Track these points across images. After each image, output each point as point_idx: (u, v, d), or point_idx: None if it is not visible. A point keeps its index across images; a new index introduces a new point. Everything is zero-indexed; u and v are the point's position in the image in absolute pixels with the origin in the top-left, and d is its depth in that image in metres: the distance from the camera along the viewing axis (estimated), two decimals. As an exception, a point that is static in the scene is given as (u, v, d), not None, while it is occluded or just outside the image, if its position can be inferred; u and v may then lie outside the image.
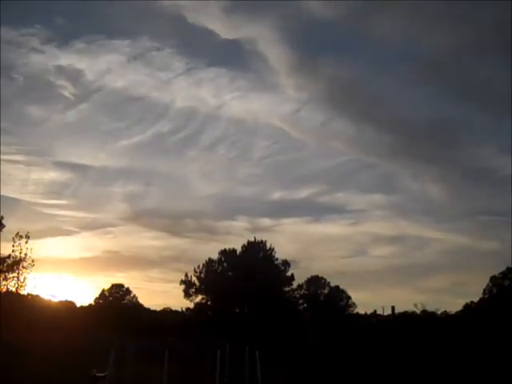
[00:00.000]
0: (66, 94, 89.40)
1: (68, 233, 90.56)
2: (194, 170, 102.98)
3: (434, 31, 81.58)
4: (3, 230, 29.36)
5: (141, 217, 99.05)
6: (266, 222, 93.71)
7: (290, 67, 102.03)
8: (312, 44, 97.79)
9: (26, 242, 26.46)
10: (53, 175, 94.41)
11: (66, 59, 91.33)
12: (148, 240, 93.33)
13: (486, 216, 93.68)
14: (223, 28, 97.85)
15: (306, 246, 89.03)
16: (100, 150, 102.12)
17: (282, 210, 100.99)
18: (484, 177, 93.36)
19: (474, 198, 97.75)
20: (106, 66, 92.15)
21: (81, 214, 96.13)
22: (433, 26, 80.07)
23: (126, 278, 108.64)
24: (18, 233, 26.66)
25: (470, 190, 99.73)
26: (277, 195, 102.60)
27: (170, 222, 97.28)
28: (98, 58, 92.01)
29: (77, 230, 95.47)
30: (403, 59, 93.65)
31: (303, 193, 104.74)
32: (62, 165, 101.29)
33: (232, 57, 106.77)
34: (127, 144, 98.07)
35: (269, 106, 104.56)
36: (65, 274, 70.62)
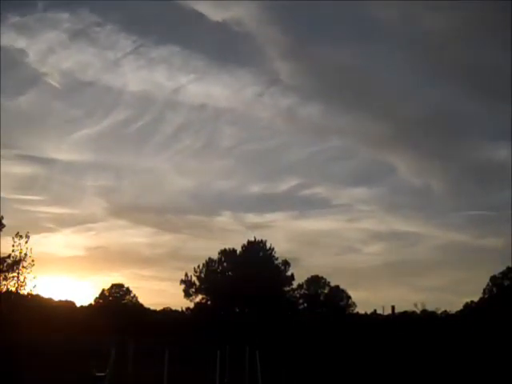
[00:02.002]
0: (12, 77, 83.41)
1: (49, 230, 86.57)
2: (163, 162, 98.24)
3: (434, 12, 75.89)
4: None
5: (120, 212, 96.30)
6: (250, 217, 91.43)
7: (271, 48, 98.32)
8: (301, 26, 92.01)
9: (26, 242, 26.27)
10: (19, 169, 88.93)
11: (3, 37, 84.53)
12: (135, 237, 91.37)
13: (485, 211, 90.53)
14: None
15: (298, 242, 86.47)
16: (61, 142, 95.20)
17: (265, 204, 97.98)
18: (483, 170, 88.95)
19: (473, 192, 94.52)
20: (47, 44, 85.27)
21: (57, 210, 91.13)
22: (433, 7, 74.79)
23: (121, 277, 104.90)
24: (18, 232, 26.47)
25: (469, 183, 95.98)
26: (256, 188, 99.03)
27: (154, 217, 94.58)
28: (37, 35, 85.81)
29: (56, 226, 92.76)
30: (401, 43, 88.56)
31: (284, 185, 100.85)
32: (25, 158, 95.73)
33: (185, 32, 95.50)
34: (88, 134, 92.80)
35: (231, 89, 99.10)
36: (56, 272, 68.42)
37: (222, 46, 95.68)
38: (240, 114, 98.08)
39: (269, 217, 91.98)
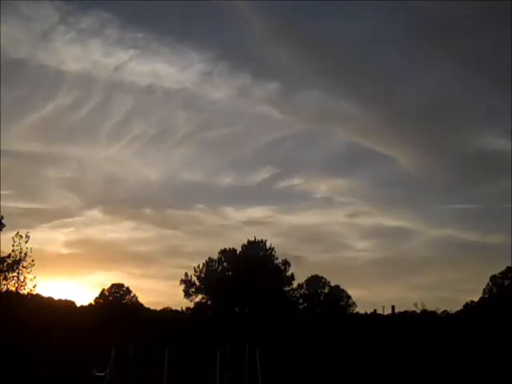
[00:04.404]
0: None
1: (26, 226, 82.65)
2: (121, 151, 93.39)
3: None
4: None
5: (93, 205, 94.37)
6: (230, 211, 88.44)
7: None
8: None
9: (26, 242, 26.30)
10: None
11: None
12: (116, 232, 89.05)
13: (482, 205, 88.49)
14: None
15: (284, 238, 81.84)
16: (8, 130, 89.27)
17: (241, 197, 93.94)
18: (483, 162, 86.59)
19: (468, 186, 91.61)
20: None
21: (27, 205, 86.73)
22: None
23: (110, 275, 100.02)
24: (17, 232, 26.53)
25: (464, 176, 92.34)
26: (228, 180, 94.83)
27: (130, 211, 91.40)
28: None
29: (32, 222, 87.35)
30: (399, 23, 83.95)
31: (258, 176, 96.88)
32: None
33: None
34: (35, 121, 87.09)
35: (177, 67, 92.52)
36: (45, 270, 66.01)
37: (159, 15, 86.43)
38: (192, 95, 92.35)
39: (251, 211, 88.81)
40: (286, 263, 52.86)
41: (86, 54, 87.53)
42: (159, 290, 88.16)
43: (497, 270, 53.27)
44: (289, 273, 53.01)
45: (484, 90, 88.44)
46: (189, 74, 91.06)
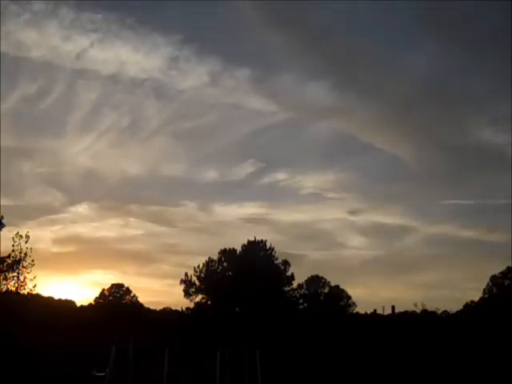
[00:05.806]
0: None
1: (13, 223, 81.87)
2: (96, 143, 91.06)
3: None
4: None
5: (77, 201, 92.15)
6: (221, 208, 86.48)
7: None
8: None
9: (26, 242, 26.32)
10: None
11: None
12: (104, 230, 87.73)
13: (481, 202, 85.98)
14: None
15: (280, 235, 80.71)
16: None
17: (229, 192, 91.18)
18: (480, 157, 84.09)
19: (468, 181, 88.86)
20: None
21: (8, 202, 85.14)
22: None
23: (107, 274, 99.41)
24: (17, 232, 26.56)
25: (463, 171, 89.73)
26: (211, 175, 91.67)
27: (120, 207, 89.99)
28: None
29: (17, 220, 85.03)
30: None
31: (242, 171, 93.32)
32: None
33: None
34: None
35: (142, 52, 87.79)
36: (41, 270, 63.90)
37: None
38: (161, 83, 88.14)
39: (243, 208, 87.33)
40: (286, 263, 52.88)
41: (43, 39, 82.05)
42: (156, 289, 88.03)
43: (497, 269, 53.42)
44: (289, 273, 53.07)
45: (486, 83, 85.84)
46: (155, 59, 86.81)
